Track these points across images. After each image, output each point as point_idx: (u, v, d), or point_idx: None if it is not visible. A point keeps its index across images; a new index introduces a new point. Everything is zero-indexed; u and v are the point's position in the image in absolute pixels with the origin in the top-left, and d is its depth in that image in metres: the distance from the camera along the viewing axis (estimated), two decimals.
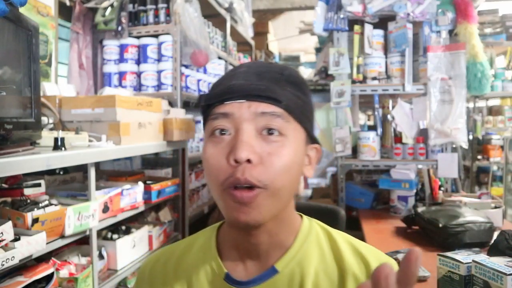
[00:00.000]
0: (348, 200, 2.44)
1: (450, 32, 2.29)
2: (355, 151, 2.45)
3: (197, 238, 0.78)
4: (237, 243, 0.69)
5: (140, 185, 1.93)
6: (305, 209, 0.94)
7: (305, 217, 0.73)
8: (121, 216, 1.78)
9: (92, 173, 1.57)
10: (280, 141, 0.62)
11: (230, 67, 3.67)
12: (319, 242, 0.69)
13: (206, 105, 0.66)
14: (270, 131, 0.62)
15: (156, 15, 2.55)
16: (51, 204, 1.40)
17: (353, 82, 2.36)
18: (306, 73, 7.13)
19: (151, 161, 2.65)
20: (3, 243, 1.11)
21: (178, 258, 0.75)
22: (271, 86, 0.63)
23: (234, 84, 0.64)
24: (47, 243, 1.28)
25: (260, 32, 5.49)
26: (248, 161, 0.59)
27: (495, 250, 1.32)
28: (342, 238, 0.70)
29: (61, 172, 1.92)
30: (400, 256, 1.43)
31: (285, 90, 0.64)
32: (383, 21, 2.34)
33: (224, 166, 0.61)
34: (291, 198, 0.67)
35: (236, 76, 0.66)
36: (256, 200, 0.60)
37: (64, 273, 1.51)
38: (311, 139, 0.69)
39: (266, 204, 0.61)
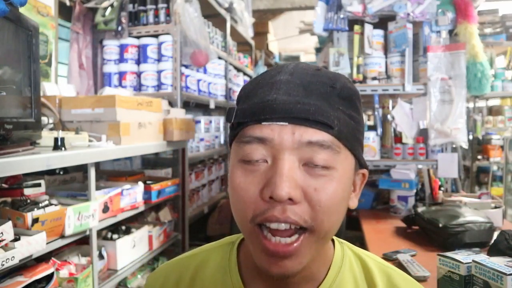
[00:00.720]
0: None
1: (450, 32, 2.29)
2: None
3: (211, 254, 0.67)
4: (263, 274, 0.58)
5: (140, 185, 1.93)
6: None
7: (336, 241, 0.64)
8: (121, 216, 1.78)
9: (92, 173, 1.57)
10: (328, 175, 0.51)
11: (230, 67, 3.67)
12: (353, 271, 0.62)
13: (237, 122, 0.55)
14: (316, 163, 0.51)
15: (156, 15, 2.55)
16: (51, 204, 1.40)
17: (353, 82, 2.35)
18: None
19: (151, 161, 2.65)
20: (3, 243, 1.11)
21: (192, 278, 0.66)
22: (321, 105, 0.52)
23: (275, 101, 0.51)
24: (47, 243, 1.28)
25: (260, 32, 5.49)
26: (290, 199, 0.49)
27: (495, 250, 1.31)
28: (375, 264, 0.63)
29: (61, 172, 1.92)
30: (400, 256, 1.43)
31: (337, 109, 0.53)
32: (383, 21, 2.34)
33: (256, 199, 0.51)
34: None
35: (276, 86, 0.53)
36: (298, 250, 0.51)
37: (64, 273, 1.51)
38: (359, 164, 0.59)
39: (309, 251, 0.52)
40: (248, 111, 0.53)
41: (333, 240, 0.64)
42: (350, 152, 0.55)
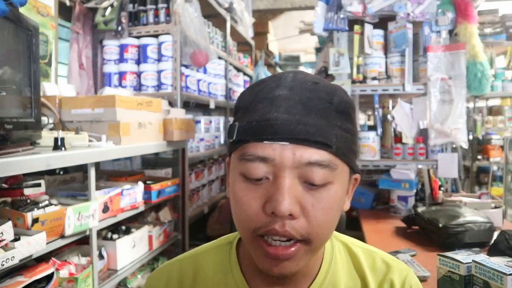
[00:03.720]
0: None
1: (450, 32, 2.28)
2: None
3: (211, 255, 0.70)
4: (263, 272, 0.62)
5: (140, 185, 1.93)
6: None
7: None
8: (121, 216, 1.78)
9: (92, 173, 1.57)
10: (325, 191, 0.54)
11: (230, 67, 3.67)
12: (343, 260, 0.67)
13: (238, 139, 0.56)
14: (314, 183, 0.54)
15: (156, 15, 2.55)
16: (51, 204, 1.40)
17: (353, 82, 2.35)
18: None
19: (151, 161, 2.65)
20: (3, 243, 1.11)
21: (193, 279, 0.69)
22: (320, 124, 0.53)
23: (276, 120, 0.52)
24: (47, 243, 1.28)
25: (260, 32, 5.49)
26: (290, 215, 0.52)
27: (495, 250, 1.32)
28: (361, 251, 0.68)
29: (61, 172, 1.92)
30: (400, 256, 1.43)
31: (335, 126, 0.55)
32: (383, 21, 2.34)
33: (258, 213, 0.54)
34: None
35: (276, 104, 0.54)
36: (295, 255, 0.54)
37: (64, 273, 1.51)
38: (353, 170, 0.61)
39: (305, 257, 0.56)
40: (250, 129, 0.54)
41: None
42: (346, 164, 0.57)
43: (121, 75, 2.53)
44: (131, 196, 1.85)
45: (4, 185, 1.52)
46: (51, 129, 1.74)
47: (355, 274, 0.66)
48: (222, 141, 3.44)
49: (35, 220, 1.27)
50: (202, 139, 2.96)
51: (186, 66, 2.66)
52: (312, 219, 0.53)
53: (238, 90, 4.00)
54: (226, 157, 0.63)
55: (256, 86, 0.60)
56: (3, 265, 1.09)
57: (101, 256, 1.74)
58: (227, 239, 0.71)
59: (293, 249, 0.54)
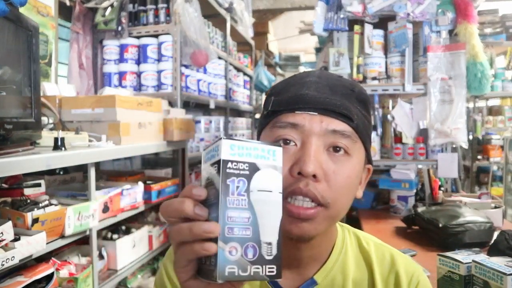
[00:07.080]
0: None
1: (450, 32, 2.28)
2: None
3: None
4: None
5: (140, 185, 1.93)
6: None
7: (338, 224, 0.73)
8: (121, 216, 1.78)
9: (92, 173, 1.57)
10: (345, 161, 0.61)
11: (230, 67, 3.67)
12: (353, 251, 0.72)
13: (272, 110, 0.64)
14: (336, 149, 0.60)
15: (156, 15, 2.55)
16: (51, 204, 1.40)
17: None
18: None
19: (151, 161, 2.65)
20: (3, 243, 1.11)
21: None
22: (344, 101, 0.62)
23: (307, 94, 0.61)
24: (47, 243, 1.28)
25: (260, 32, 5.49)
26: (314, 176, 0.57)
27: (495, 250, 1.32)
28: (372, 244, 0.74)
29: (61, 172, 1.93)
30: None
31: (356, 108, 0.63)
32: (383, 21, 2.34)
33: (285, 175, 0.58)
34: None
35: (307, 86, 0.63)
36: (315, 217, 0.58)
37: (64, 273, 1.51)
38: (367, 159, 0.68)
39: (323, 223, 0.60)
40: (284, 101, 0.63)
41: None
42: (362, 145, 0.64)
43: (121, 75, 2.53)
44: (131, 196, 1.85)
45: (4, 185, 1.52)
46: (51, 129, 1.74)
47: (364, 265, 0.70)
48: None
49: (35, 220, 1.27)
50: (202, 139, 2.96)
51: (186, 66, 2.66)
52: (333, 184, 0.59)
53: (238, 90, 3.99)
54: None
55: (287, 78, 0.69)
56: (3, 265, 1.09)
57: (101, 256, 1.74)
58: None
59: (313, 211, 0.58)
